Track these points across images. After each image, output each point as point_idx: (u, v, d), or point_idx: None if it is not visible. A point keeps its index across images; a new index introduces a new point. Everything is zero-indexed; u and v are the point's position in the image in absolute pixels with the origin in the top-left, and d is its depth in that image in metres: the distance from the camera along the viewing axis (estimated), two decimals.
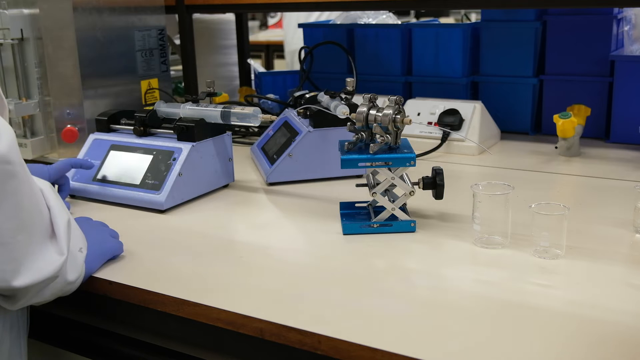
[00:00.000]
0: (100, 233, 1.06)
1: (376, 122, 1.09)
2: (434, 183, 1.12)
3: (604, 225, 1.12)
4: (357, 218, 1.16)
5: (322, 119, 1.38)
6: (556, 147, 1.57)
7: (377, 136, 1.09)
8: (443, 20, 4.09)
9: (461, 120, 1.61)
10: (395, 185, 1.11)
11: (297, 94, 1.61)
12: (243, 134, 1.81)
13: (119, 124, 1.43)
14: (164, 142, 1.33)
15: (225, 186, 1.40)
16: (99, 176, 1.34)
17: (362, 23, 2.11)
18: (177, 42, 2.03)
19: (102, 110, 1.49)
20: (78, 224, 0.96)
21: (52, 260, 0.86)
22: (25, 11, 1.51)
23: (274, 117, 1.40)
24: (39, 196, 0.87)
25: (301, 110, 1.42)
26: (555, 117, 1.53)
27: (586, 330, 0.79)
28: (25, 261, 0.83)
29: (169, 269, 1.01)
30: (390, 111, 1.08)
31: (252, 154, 1.59)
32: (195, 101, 1.39)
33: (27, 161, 1.34)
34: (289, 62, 4.19)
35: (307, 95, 1.54)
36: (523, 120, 1.78)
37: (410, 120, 1.08)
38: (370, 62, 1.93)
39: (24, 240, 0.83)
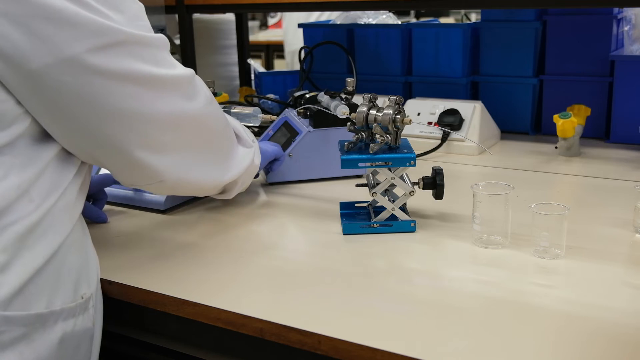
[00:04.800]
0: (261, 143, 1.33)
1: (376, 122, 1.09)
2: (434, 183, 1.12)
3: (604, 225, 1.12)
4: (357, 218, 1.16)
5: (322, 119, 1.38)
6: (556, 147, 1.57)
7: (377, 136, 1.09)
8: (443, 20, 4.09)
9: (461, 120, 1.61)
10: (395, 185, 1.11)
11: (297, 94, 1.61)
12: None
13: None
14: None
15: None
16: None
17: (362, 23, 2.11)
18: (177, 42, 2.03)
19: None
20: None
21: (245, 153, 1.13)
22: None
23: (274, 117, 1.40)
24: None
25: (301, 110, 1.42)
26: (555, 117, 1.53)
27: (586, 330, 0.79)
28: (230, 160, 1.08)
29: (169, 269, 1.01)
30: (390, 111, 1.08)
31: None
32: None
33: None
34: (289, 62, 4.19)
35: (307, 95, 1.54)
36: (523, 120, 1.78)
37: (410, 120, 1.08)
38: (370, 62, 1.93)
39: (228, 145, 1.08)
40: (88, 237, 0.95)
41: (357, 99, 1.20)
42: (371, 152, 1.08)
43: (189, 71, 0.96)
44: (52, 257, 0.83)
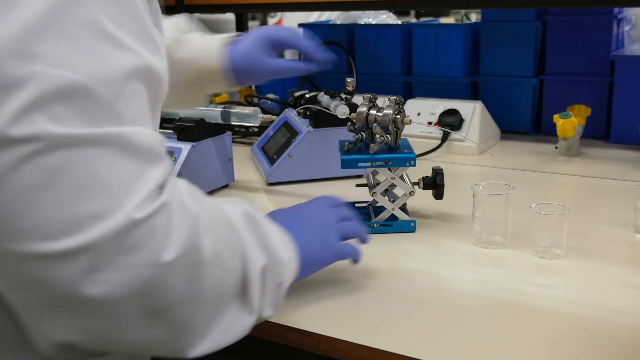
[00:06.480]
0: (321, 234, 0.85)
1: (376, 122, 1.09)
2: (434, 183, 1.12)
3: (604, 225, 1.12)
4: None
5: (322, 119, 1.38)
6: (556, 147, 1.57)
7: (377, 136, 1.09)
8: (443, 20, 4.08)
9: (461, 120, 1.61)
10: (395, 185, 1.11)
11: (297, 94, 1.61)
12: (243, 134, 1.81)
13: None
14: None
15: (225, 186, 1.40)
16: None
17: (362, 23, 2.11)
18: None
19: None
20: (293, 217, 0.84)
21: (237, 322, 0.69)
22: None
23: (274, 117, 1.40)
24: (233, 247, 0.68)
25: (301, 110, 1.42)
26: (555, 117, 1.53)
27: (586, 330, 0.79)
28: (203, 331, 0.66)
29: None
30: (390, 111, 1.08)
31: (252, 154, 1.59)
32: None
33: None
34: None
35: (307, 95, 1.54)
36: (523, 120, 1.78)
37: (411, 120, 1.08)
38: (370, 62, 1.93)
39: (205, 315, 0.65)
40: None
41: (357, 99, 1.20)
42: (371, 152, 1.08)
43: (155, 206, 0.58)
44: None
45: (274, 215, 0.81)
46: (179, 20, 1.10)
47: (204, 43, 1.08)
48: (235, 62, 1.05)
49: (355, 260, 0.89)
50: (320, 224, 0.86)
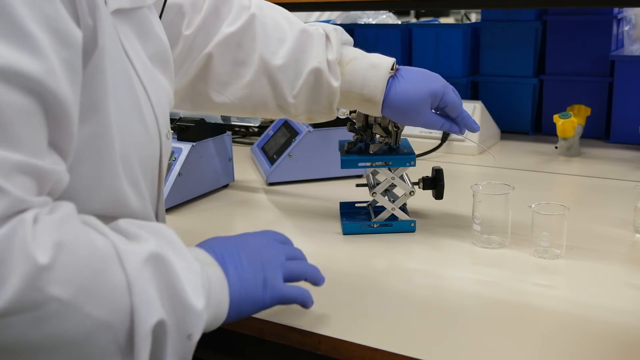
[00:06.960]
0: (263, 272, 0.73)
1: (376, 122, 1.09)
2: (434, 183, 1.12)
3: (604, 225, 1.12)
4: (357, 218, 1.16)
5: None
6: (556, 147, 1.57)
7: (377, 136, 1.09)
8: (443, 20, 4.08)
9: None
10: (395, 185, 1.11)
11: None
12: (243, 134, 1.81)
13: None
14: None
15: (225, 186, 1.40)
16: None
17: (362, 23, 2.11)
18: None
19: None
20: (232, 249, 0.72)
21: None
22: None
23: None
24: (111, 299, 0.58)
25: None
26: (555, 117, 1.53)
27: (586, 330, 0.79)
28: None
29: None
30: None
31: (252, 154, 1.60)
32: None
33: None
34: None
35: None
36: (523, 120, 1.78)
37: None
38: None
39: None
40: None
41: None
42: (371, 152, 1.08)
43: None
44: None
45: (211, 245, 0.72)
46: (329, 32, 1.04)
47: (365, 70, 1.03)
48: (395, 100, 1.00)
49: (305, 305, 0.77)
50: (263, 260, 0.74)
